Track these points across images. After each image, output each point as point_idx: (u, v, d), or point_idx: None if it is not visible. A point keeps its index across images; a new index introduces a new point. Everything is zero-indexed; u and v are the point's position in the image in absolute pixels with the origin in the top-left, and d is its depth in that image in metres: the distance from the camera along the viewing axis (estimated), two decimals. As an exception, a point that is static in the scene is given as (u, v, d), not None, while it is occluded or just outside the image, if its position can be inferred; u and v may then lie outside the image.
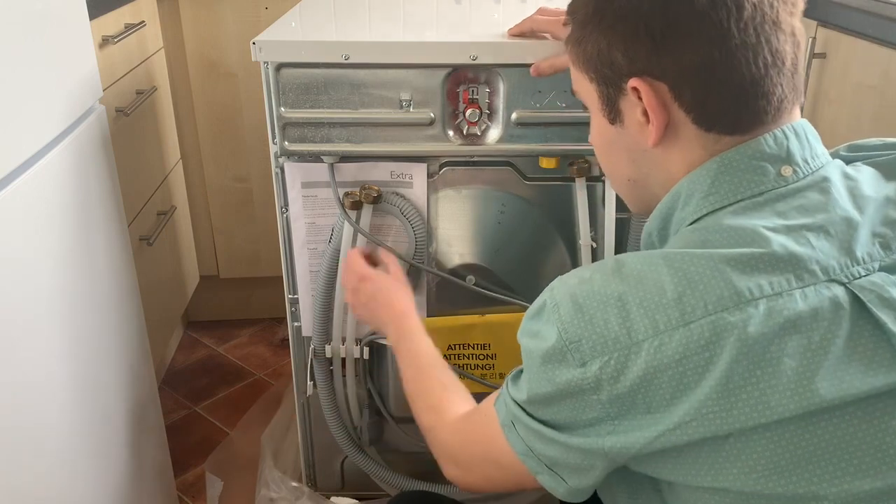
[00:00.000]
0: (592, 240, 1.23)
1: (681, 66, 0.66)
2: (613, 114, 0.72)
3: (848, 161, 0.72)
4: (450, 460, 0.83)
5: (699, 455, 0.62)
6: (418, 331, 1.03)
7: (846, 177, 0.68)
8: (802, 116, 0.70)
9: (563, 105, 1.16)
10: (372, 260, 1.19)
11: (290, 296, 1.31)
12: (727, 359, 0.59)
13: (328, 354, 1.32)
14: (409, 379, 0.97)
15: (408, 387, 0.97)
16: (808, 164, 0.67)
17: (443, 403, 0.89)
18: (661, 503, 0.68)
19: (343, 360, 1.33)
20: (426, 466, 1.47)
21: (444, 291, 1.29)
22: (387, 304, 1.08)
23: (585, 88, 0.74)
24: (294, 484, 1.43)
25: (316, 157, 1.20)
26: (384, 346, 1.33)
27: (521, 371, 0.73)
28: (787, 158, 0.67)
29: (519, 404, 0.71)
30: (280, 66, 1.13)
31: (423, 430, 0.90)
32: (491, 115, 1.16)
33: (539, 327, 0.68)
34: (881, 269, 0.63)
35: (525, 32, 1.13)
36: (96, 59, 1.20)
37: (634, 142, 0.72)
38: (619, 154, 0.75)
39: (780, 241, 0.62)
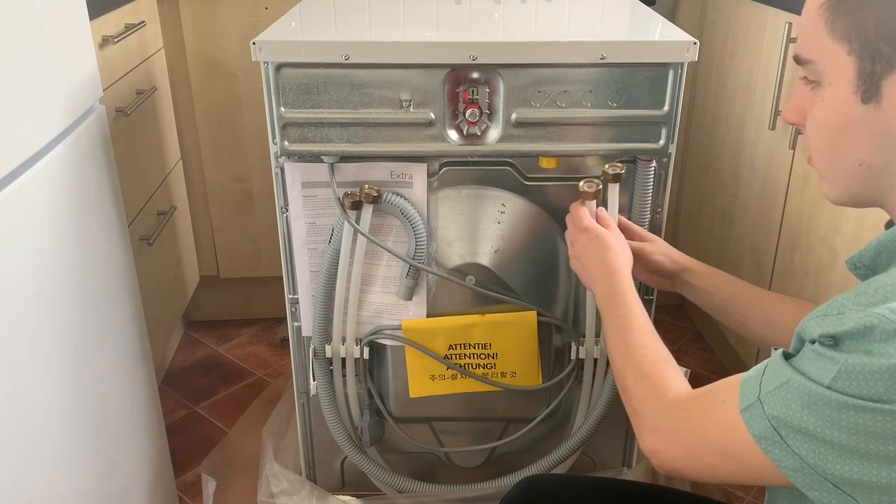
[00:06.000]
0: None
1: None
2: (870, 92, 0.67)
3: None
4: (661, 436, 0.79)
5: None
6: (629, 292, 0.97)
7: None
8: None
9: (563, 105, 1.16)
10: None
11: (290, 296, 1.31)
12: None
13: (328, 354, 1.32)
14: (617, 342, 0.92)
15: (615, 349, 0.92)
16: None
17: (660, 375, 0.84)
18: None
19: (343, 360, 1.33)
20: (426, 466, 1.47)
21: (444, 291, 1.29)
22: (600, 259, 1.03)
23: (833, 59, 0.69)
24: (295, 477, 1.43)
25: (316, 157, 1.20)
26: (384, 346, 1.33)
27: (785, 383, 0.67)
28: None
29: (799, 415, 0.66)
30: (280, 66, 1.13)
31: (629, 396, 0.86)
32: (491, 115, 1.16)
33: (877, 347, 0.62)
34: None
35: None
36: (96, 59, 1.20)
37: (887, 126, 0.67)
38: (859, 135, 0.70)
39: None
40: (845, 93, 0.69)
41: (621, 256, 1.04)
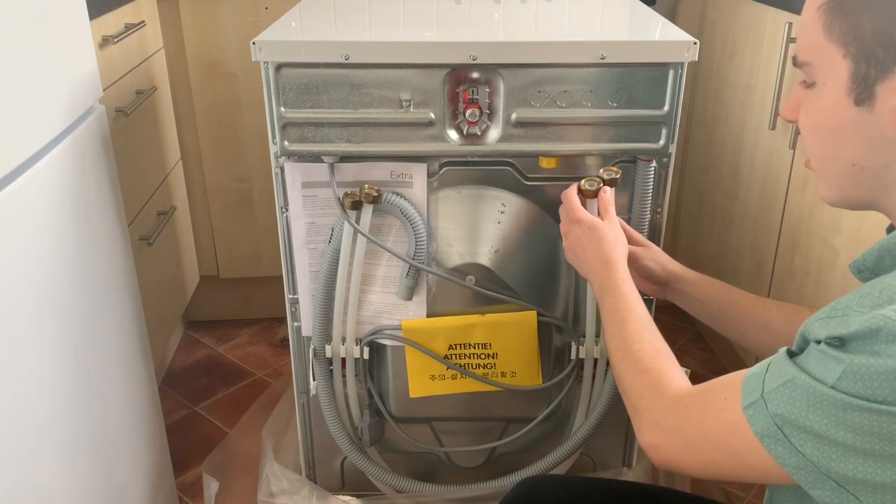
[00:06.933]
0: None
1: None
2: (864, 95, 0.68)
3: None
4: (660, 432, 0.79)
5: None
6: (625, 283, 0.97)
7: None
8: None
9: (563, 105, 1.16)
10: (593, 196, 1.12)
11: (290, 296, 1.31)
12: None
13: (328, 354, 1.32)
14: (614, 335, 0.92)
15: (611, 342, 0.92)
16: None
17: (659, 370, 0.83)
18: None
19: (343, 360, 1.33)
20: (426, 466, 1.47)
21: (444, 291, 1.29)
22: (594, 250, 1.03)
23: (828, 61, 0.69)
24: (295, 477, 1.43)
25: (316, 157, 1.20)
26: (384, 346, 1.33)
27: (790, 381, 0.67)
28: None
29: (800, 415, 0.66)
30: (280, 66, 1.13)
31: (627, 391, 0.85)
32: (491, 115, 1.16)
33: (884, 348, 0.62)
34: None
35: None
36: (96, 59, 1.20)
37: (880, 129, 0.68)
38: (852, 138, 0.70)
39: None
40: (839, 94, 0.70)
41: (615, 246, 1.03)
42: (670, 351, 0.88)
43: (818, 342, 0.66)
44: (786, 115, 0.79)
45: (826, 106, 0.71)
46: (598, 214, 1.11)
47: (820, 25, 0.70)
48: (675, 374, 0.83)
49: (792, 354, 0.70)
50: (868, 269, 0.74)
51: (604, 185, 1.13)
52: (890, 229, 0.77)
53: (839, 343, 0.64)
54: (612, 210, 1.09)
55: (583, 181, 1.11)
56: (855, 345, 0.63)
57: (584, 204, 1.11)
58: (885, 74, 0.67)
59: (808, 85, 0.74)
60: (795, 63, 0.74)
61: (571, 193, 1.11)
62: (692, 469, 0.77)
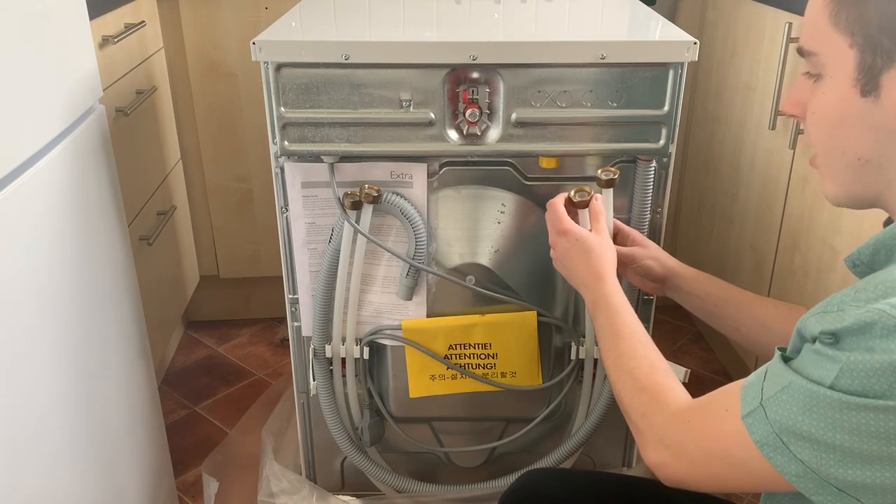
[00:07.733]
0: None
1: None
2: (870, 86, 0.68)
3: None
4: (664, 449, 0.78)
5: None
6: (616, 297, 0.97)
7: None
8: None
9: (563, 105, 1.16)
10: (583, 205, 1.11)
11: (290, 296, 1.31)
12: None
13: (328, 354, 1.32)
14: (608, 352, 0.91)
15: (607, 360, 0.91)
16: None
17: (657, 386, 0.83)
18: None
19: (343, 360, 1.33)
20: (426, 466, 1.47)
21: (444, 291, 1.29)
22: (584, 263, 1.02)
23: (835, 51, 0.69)
24: (295, 477, 1.43)
25: (316, 157, 1.20)
26: (384, 346, 1.33)
27: (786, 386, 0.67)
28: None
29: (795, 421, 0.66)
30: (280, 66, 1.13)
31: (627, 410, 0.85)
32: (491, 115, 1.16)
33: (878, 343, 0.62)
34: None
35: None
36: (96, 59, 1.20)
37: (885, 120, 0.68)
38: (858, 129, 0.70)
39: None
40: (845, 86, 0.70)
41: (604, 259, 1.02)
42: (666, 363, 0.88)
43: (813, 339, 0.66)
44: (787, 110, 0.78)
45: (832, 98, 0.71)
46: (590, 206, 1.10)
47: (827, 15, 0.70)
48: (673, 389, 0.82)
49: (786, 358, 0.69)
50: (863, 264, 0.74)
51: (603, 186, 1.13)
52: (887, 223, 0.77)
53: (833, 340, 0.64)
54: (602, 220, 1.07)
55: (572, 192, 1.11)
56: (849, 341, 0.63)
57: (576, 214, 1.11)
58: (891, 64, 0.66)
59: (814, 76, 0.73)
60: (801, 53, 0.74)
61: (558, 203, 1.09)
62: (700, 484, 0.76)
